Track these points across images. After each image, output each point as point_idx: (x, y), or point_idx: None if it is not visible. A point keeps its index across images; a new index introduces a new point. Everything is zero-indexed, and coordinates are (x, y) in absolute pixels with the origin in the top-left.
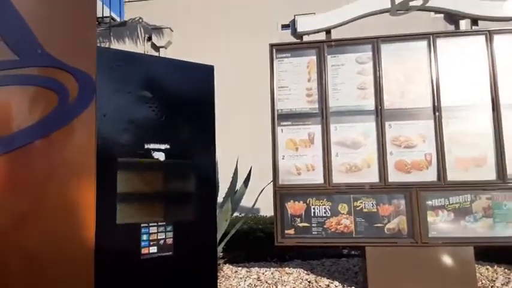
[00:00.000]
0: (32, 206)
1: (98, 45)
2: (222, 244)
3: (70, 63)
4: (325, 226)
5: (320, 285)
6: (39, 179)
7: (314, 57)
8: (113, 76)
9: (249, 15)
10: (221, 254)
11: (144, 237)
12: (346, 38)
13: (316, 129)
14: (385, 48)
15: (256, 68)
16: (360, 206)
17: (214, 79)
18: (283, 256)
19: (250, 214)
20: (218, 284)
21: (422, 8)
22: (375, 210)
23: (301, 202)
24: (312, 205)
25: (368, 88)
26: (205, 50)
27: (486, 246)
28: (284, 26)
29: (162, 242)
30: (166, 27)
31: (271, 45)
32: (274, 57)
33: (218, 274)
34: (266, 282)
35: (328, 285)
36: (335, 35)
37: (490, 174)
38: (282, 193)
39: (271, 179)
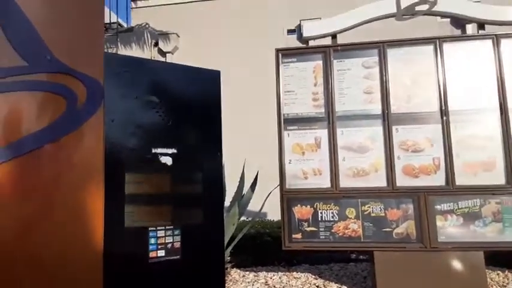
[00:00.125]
0: (40, 210)
1: (106, 50)
2: (230, 248)
3: (78, 68)
4: (332, 230)
5: None
6: (48, 184)
7: (320, 62)
8: (120, 81)
9: (255, 20)
10: (228, 258)
11: (152, 240)
12: (353, 43)
13: (323, 133)
14: (392, 53)
15: (262, 73)
16: (367, 210)
17: (221, 84)
18: (290, 260)
19: (258, 218)
20: None
21: (429, 13)
22: (383, 214)
23: (309, 206)
24: (319, 209)
25: (374, 92)
26: (211, 55)
27: (496, 251)
28: (290, 31)
29: (169, 245)
30: (173, 33)
31: (277, 50)
32: (280, 61)
33: (226, 278)
34: (274, 286)
35: None
36: (341, 40)
37: (499, 179)
38: (289, 197)
39: (278, 183)
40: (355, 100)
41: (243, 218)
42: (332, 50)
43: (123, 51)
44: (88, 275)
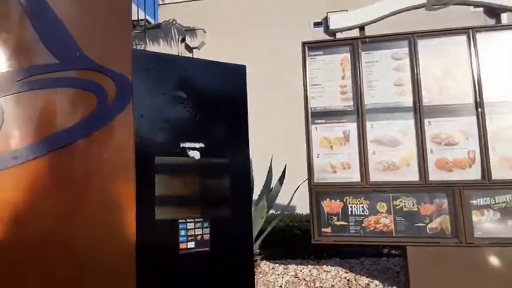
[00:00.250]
0: (74, 203)
1: (134, 47)
2: (259, 241)
3: (107, 65)
4: (363, 225)
5: (360, 284)
6: (81, 177)
7: (348, 55)
8: (148, 77)
9: (281, 13)
10: (258, 250)
11: (182, 232)
12: (382, 34)
13: (352, 126)
14: (422, 44)
15: (288, 67)
16: (399, 204)
17: (247, 78)
18: (320, 254)
19: (286, 212)
20: (256, 279)
21: (460, 2)
22: (416, 209)
23: (338, 200)
24: (349, 203)
25: (405, 84)
26: (237, 49)
27: None
28: (316, 24)
29: (199, 237)
30: (199, 29)
31: (304, 43)
32: (307, 55)
33: (255, 270)
34: (304, 279)
35: (368, 284)
36: (368, 32)
37: None
38: (318, 191)
39: (306, 177)
40: (384, 93)
41: (271, 212)
42: (360, 42)
43: (151, 47)
44: (121, 265)
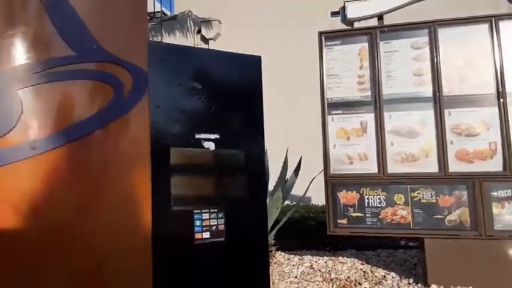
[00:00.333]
0: (91, 193)
1: (150, 39)
2: (274, 232)
3: (124, 57)
4: (380, 216)
5: (376, 276)
6: (99, 168)
7: (366, 44)
8: (163, 69)
9: (298, 3)
10: (273, 241)
11: (197, 223)
12: (401, 23)
13: (369, 117)
14: (443, 33)
15: (305, 57)
16: (417, 196)
17: (263, 68)
18: (336, 245)
19: (302, 203)
20: (271, 270)
21: None
22: (434, 201)
23: (354, 192)
24: (366, 195)
25: (425, 74)
26: (253, 40)
27: None
28: (334, 13)
29: (214, 228)
30: (215, 20)
31: (320, 33)
32: (324, 45)
33: (271, 260)
34: (319, 270)
35: (385, 276)
36: (386, 21)
37: None
38: (334, 182)
39: (322, 169)
40: (403, 83)
41: (287, 202)
42: (378, 31)
43: (167, 39)
44: (137, 255)
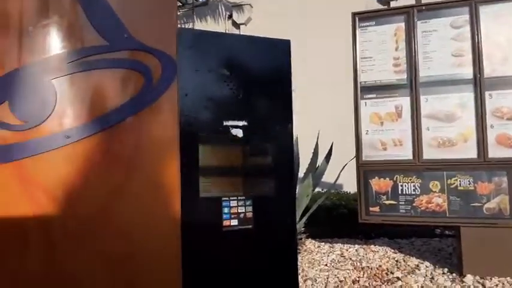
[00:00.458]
0: (125, 180)
1: (182, 26)
2: (304, 219)
3: (153, 45)
4: (414, 204)
5: (409, 265)
6: (131, 155)
7: (402, 24)
8: (191, 56)
9: None
10: (303, 228)
11: (225, 210)
12: (440, 1)
13: (404, 101)
14: (485, 10)
15: (337, 40)
16: (454, 183)
17: (294, 52)
18: (368, 233)
19: (333, 190)
20: (301, 257)
21: None
22: (472, 188)
23: (387, 179)
24: (400, 182)
25: (465, 55)
26: (284, 23)
27: None
28: None
29: (242, 215)
30: (246, 4)
31: (354, 14)
32: (357, 26)
33: (300, 248)
34: (350, 258)
35: (418, 265)
36: None
37: None
38: (366, 169)
39: (354, 155)
40: (442, 64)
41: (318, 190)
42: (416, 10)
43: (199, 25)
44: (167, 241)
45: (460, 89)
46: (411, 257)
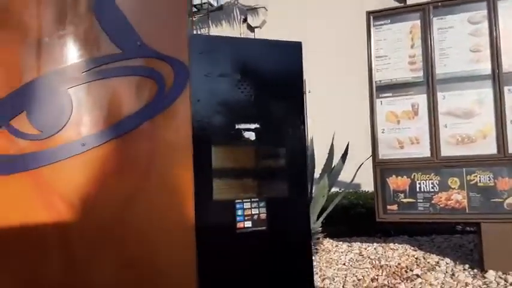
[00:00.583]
0: (139, 184)
1: (198, 31)
2: (321, 219)
3: (165, 52)
4: (433, 202)
5: (429, 262)
6: (145, 161)
7: (418, 22)
8: (203, 61)
9: None
10: (320, 228)
11: (239, 212)
12: None
13: (421, 99)
14: (503, 5)
15: (352, 40)
16: (474, 179)
17: (308, 54)
18: (387, 232)
19: (350, 189)
20: (319, 257)
21: None
22: (492, 184)
23: (405, 177)
24: (417, 180)
25: (482, 51)
26: (300, 24)
27: None
28: None
29: (256, 217)
30: (261, 7)
31: (368, 13)
32: (372, 24)
33: (318, 248)
34: (368, 257)
35: (438, 262)
36: None
37: None
38: (383, 168)
39: (370, 154)
40: (459, 60)
41: (335, 189)
42: (432, 7)
43: (214, 30)
44: (182, 244)
45: (478, 85)
46: (431, 254)
